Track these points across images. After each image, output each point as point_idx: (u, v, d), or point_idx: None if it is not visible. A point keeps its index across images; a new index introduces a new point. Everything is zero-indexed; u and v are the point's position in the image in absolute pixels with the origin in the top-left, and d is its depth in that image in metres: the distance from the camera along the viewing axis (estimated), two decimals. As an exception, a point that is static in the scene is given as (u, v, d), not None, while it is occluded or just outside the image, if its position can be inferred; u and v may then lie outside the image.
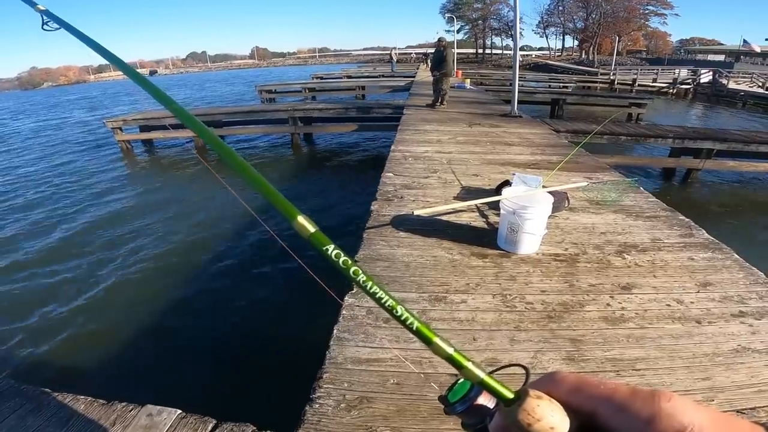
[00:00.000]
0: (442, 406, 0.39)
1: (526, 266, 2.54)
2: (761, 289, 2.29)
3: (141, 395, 1.72)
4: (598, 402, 0.30)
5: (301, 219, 0.30)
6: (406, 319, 0.32)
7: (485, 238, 2.87)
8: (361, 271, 0.31)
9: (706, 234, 2.96)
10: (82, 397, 1.60)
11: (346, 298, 2.16)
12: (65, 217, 7.22)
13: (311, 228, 0.30)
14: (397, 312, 0.32)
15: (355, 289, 2.24)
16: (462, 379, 0.39)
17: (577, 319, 2.06)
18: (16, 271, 5.28)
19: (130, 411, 1.53)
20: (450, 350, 0.33)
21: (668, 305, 2.16)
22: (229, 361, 3.52)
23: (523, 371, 0.37)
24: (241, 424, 1.48)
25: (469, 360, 0.33)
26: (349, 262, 0.31)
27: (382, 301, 0.31)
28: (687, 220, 3.21)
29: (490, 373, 0.33)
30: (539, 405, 0.31)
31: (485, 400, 0.37)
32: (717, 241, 2.86)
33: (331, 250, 0.30)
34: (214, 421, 1.48)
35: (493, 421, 0.34)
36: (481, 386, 0.33)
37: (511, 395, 0.32)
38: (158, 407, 1.54)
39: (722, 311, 2.11)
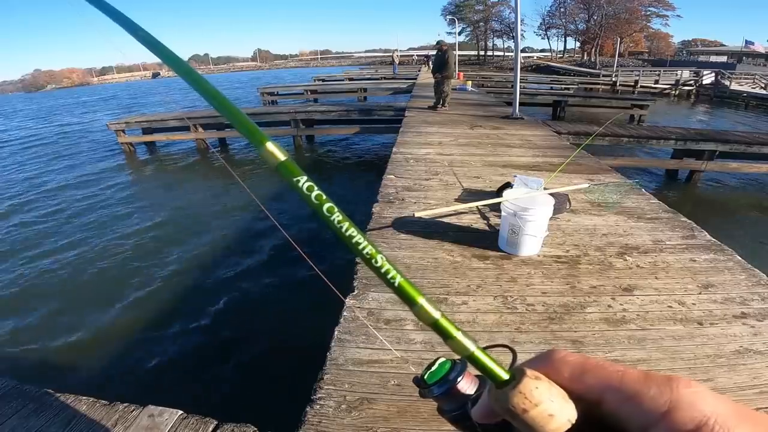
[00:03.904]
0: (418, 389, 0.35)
1: (528, 268, 2.54)
2: (763, 290, 2.28)
3: (143, 396, 1.72)
4: (605, 388, 0.26)
5: (271, 146, 0.26)
6: (387, 272, 0.27)
7: (486, 240, 2.87)
8: (336, 210, 0.27)
9: (708, 235, 2.95)
10: (84, 397, 1.61)
11: (347, 299, 2.16)
12: (69, 218, 7.26)
13: (281, 156, 0.26)
14: (376, 262, 0.27)
15: (356, 291, 2.24)
16: (442, 359, 0.35)
17: (578, 320, 2.06)
18: (19, 271, 5.31)
19: (132, 411, 1.54)
20: (436, 315, 0.28)
21: (670, 307, 2.16)
22: (231, 361, 3.52)
23: (510, 353, 0.33)
24: (242, 425, 1.48)
25: (458, 329, 0.28)
26: (323, 197, 0.27)
27: (360, 247, 0.27)
28: (689, 221, 3.20)
29: (482, 348, 0.29)
30: (537, 387, 0.26)
31: (467, 383, 0.33)
32: (719, 242, 2.85)
33: (303, 182, 0.26)
34: (215, 422, 1.49)
35: (479, 405, 0.30)
36: (470, 361, 0.28)
37: (504, 375, 0.28)
38: (160, 408, 1.55)
39: (724, 313, 2.10)
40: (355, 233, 0.27)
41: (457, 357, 0.31)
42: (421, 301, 0.28)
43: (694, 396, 0.23)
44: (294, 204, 6.83)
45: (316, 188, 0.27)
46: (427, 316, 0.28)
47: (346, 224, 0.27)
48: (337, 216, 0.27)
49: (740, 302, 2.18)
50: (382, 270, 0.27)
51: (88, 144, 14.37)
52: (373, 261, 0.27)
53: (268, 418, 1.63)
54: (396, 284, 0.27)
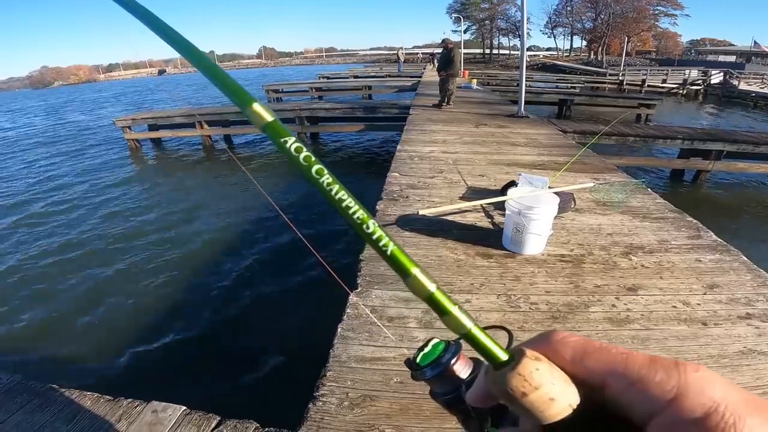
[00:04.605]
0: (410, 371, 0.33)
1: (531, 267, 2.54)
2: (769, 291, 2.26)
3: (146, 392, 1.73)
4: (608, 372, 0.24)
5: (257, 106, 0.25)
6: (379, 239, 0.26)
7: (490, 238, 2.87)
8: (326, 172, 0.25)
9: (714, 236, 2.93)
10: (89, 393, 1.62)
11: (350, 296, 2.16)
12: (74, 216, 7.31)
13: (269, 117, 0.25)
14: (367, 228, 0.25)
15: (360, 288, 2.25)
16: (435, 340, 0.33)
17: (581, 319, 2.05)
18: (23, 270, 5.35)
19: (136, 407, 1.55)
20: (432, 287, 0.26)
21: (674, 307, 2.14)
22: (234, 358, 3.54)
23: (506, 334, 0.31)
24: (244, 421, 1.49)
25: (455, 304, 0.26)
26: (312, 159, 0.25)
27: (351, 211, 0.25)
28: (695, 221, 3.18)
29: (481, 328, 0.27)
30: (538, 369, 0.24)
31: (462, 365, 0.32)
32: (725, 242, 2.83)
33: (291, 143, 0.25)
34: (218, 418, 1.50)
35: (474, 388, 0.29)
36: (467, 339, 0.26)
37: (503, 355, 0.26)
38: (163, 403, 1.56)
39: (729, 313, 2.09)
40: (345, 197, 0.26)
41: (451, 338, 0.29)
42: (415, 271, 0.26)
43: (702, 381, 0.22)
44: (300, 204, 6.85)
45: (305, 149, 0.26)
46: (422, 289, 0.26)
47: (335, 187, 0.26)
48: (326, 178, 0.26)
49: (745, 303, 2.17)
50: (374, 237, 0.26)
51: (96, 141, 14.46)
52: (365, 227, 0.26)
53: (271, 415, 1.63)
54: (388, 252, 0.26)
